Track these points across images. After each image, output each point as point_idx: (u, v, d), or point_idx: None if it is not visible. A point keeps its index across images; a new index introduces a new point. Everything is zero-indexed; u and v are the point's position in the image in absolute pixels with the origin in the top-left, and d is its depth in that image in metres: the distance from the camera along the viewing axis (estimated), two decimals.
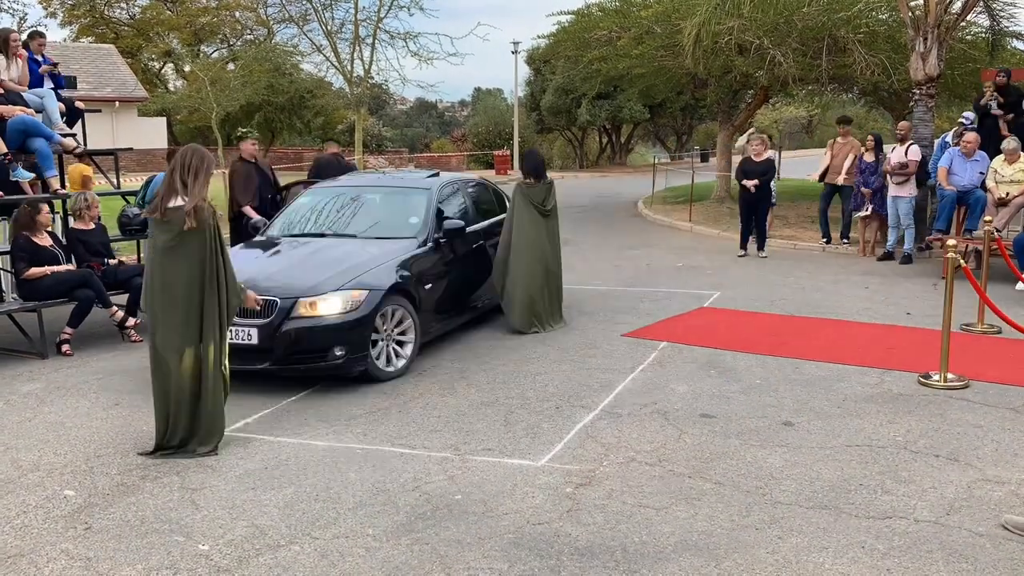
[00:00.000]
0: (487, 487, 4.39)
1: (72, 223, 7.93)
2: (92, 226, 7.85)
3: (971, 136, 10.87)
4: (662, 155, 41.47)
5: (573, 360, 6.79)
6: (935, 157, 11.78)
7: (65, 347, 7.15)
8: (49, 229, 7.56)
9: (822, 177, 13.36)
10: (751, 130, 13.01)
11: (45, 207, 7.48)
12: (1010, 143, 10.52)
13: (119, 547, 3.79)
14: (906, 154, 11.50)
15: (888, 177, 11.62)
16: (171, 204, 4.78)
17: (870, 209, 12.15)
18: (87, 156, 9.47)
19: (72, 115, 9.44)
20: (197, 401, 4.84)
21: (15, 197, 7.79)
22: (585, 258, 12.21)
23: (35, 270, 7.16)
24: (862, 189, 12.17)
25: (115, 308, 7.45)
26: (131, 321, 7.56)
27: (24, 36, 9.35)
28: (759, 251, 12.25)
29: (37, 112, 8.51)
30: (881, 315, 8.35)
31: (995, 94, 11.67)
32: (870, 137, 12.50)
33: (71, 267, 7.43)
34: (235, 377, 5.33)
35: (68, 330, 7.21)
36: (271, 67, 33.53)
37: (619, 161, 46.52)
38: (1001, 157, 10.58)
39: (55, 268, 7.24)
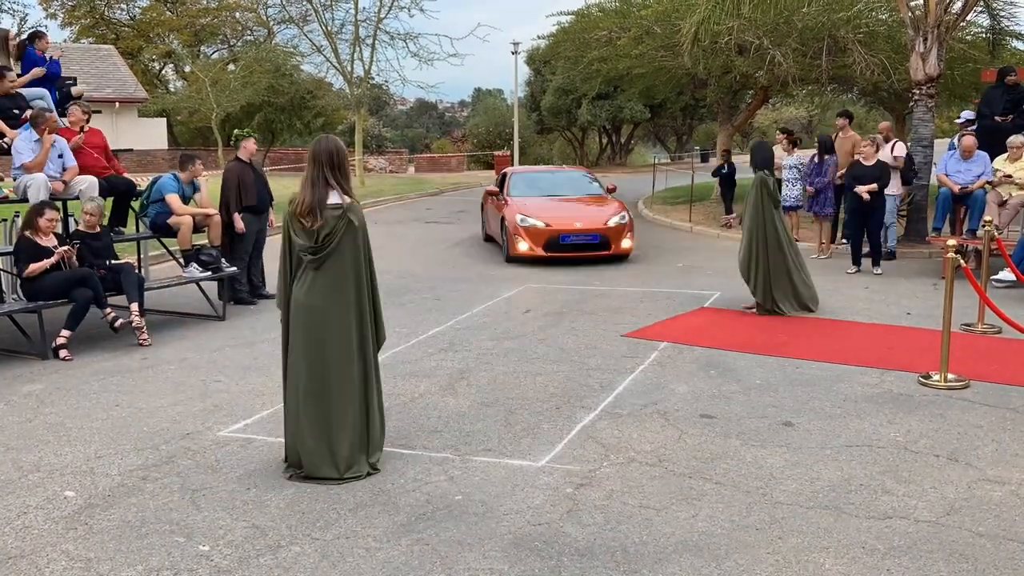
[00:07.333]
0: (487, 487, 4.39)
1: (76, 226, 7.92)
2: (97, 229, 7.87)
3: (967, 140, 10.90)
4: (662, 155, 41.48)
5: (573, 360, 6.79)
6: (944, 159, 11.82)
7: (64, 352, 7.05)
8: (55, 232, 7.51)
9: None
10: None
11: (49, 212, 7.35)
12: (1017, 138, 10.49)
13: (119, 548, 3.79)
14: (892, 151, 11.59)
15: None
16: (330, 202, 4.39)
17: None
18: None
19: (64, 100, 9.55)
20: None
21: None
22: None
23: (35, 265, 7.14)
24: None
25: (109, 310, 7.40)
26: (124, 321, 7.50)
27: (25, 36, 9.39)
28: (873, 267, 10.70)
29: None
30: (881, 315, 8.35)
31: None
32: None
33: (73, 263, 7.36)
34: (235, 379, 5.31)
35: (65, 333, 7.14)
36: (271, 68, 33.51)
37: (619, 161, 46.56)
38: (1003, 156, 10.57)
39: (52, 260, 7.18)
